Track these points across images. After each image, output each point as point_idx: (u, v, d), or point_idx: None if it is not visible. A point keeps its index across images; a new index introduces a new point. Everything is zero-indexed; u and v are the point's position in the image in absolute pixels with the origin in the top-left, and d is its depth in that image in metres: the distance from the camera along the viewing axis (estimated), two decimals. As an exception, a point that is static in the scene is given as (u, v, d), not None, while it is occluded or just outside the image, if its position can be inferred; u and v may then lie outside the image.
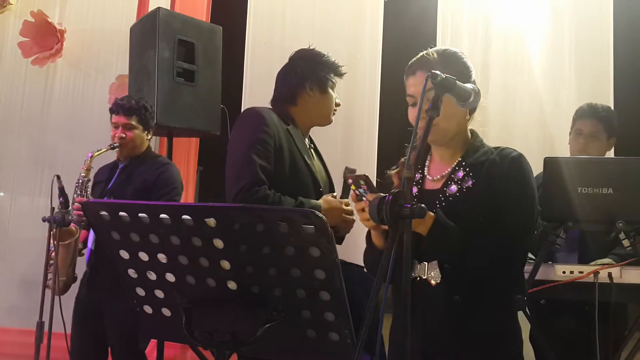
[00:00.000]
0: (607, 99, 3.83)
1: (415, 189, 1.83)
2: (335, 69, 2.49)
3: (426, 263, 1.75)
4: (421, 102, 1.53)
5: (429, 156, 1.89)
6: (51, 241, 2.79)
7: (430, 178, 1.84)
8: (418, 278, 1.75)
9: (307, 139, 2.52)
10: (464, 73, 1.79)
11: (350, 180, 1.64)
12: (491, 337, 1.72)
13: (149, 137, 3.17)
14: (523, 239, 1.74)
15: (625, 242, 2.36)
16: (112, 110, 3.11)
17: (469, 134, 1.84)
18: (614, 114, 3.03)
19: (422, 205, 1.37)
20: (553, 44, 3.98)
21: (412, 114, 1.81)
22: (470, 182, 1.75)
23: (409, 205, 1.35)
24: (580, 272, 2.37)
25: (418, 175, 1.85)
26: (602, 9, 3.90)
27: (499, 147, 1.82)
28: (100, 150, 3.07)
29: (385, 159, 4.25)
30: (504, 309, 1.76)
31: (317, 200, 2.34)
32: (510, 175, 1.73)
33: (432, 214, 1.67)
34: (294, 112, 2.45)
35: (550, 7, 4.01)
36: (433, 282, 1.73)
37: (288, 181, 2.29)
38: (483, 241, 1.68)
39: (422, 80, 1.57)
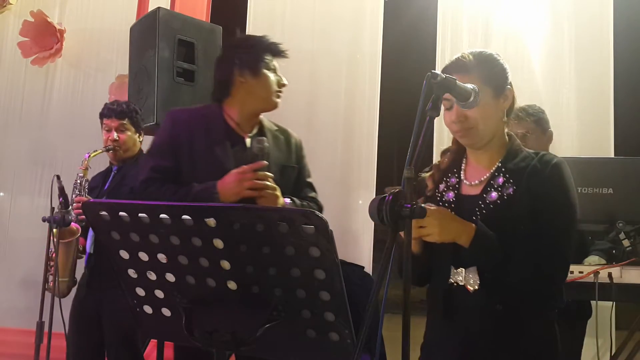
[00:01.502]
0: (607, 99, 3.84)
1: (452, 194, 1.79)
2: (270, 49, 2.34)
3: (463, 269, 1.71)
4: (421, 103, 1.52)
5: (464, 159, 1.84)
6: (51, 242, 2.80)
7: (467, 183, 1.79)
8: (455, 284, 1.72)
9: (254, 130, 2.39)
10: (502, 75, 1.76)
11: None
12: (530, 345, 1.69)
13: (141, 139, 3.23)
14: (567, 246, 1.69)
15: (626, 242, 2.36)
16: (104, 115, 3.16)
17: (507, 137, 1.81)
18: (538, 108, 3.07)
19: (422, 205, 1.36)
20: (553, 44, 3.98)
21: (447, 117, 1.76)
22: (511, 190, 1.70)
23: (409, 205, 1.34)
24: (580, 272, 2.37)
25: (454, 180, 1.81)
26: (602, 9, 3.90)
27: (538, 152, 1.78)
28: (97, 151, 3.12)
29: (385, 160, 4.26)
30: (545, 317, 1.72)
31: None
32: (552, 182, 1.68)
33: (472, 225, 1.65)
34: (229, 103, 2.35)
35: (550, 7, 4.01)
36: (471, 288, 1.69)
37: (198, 173, 2.26)
38: (527, 249, 1.64)
39: None
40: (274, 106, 2.37)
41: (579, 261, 2.56)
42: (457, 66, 1.74)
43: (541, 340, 1.71)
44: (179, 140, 2.29)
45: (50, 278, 2.86)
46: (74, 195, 3.02)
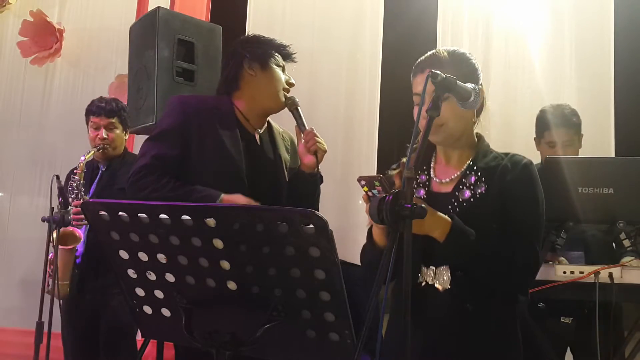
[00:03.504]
0: (607, 99, 3.84)
1: (422, 192, 1.80)
2: (279, 48, 2.35)
3: (434, 268, 1.71)
4: (422, 102, 1.52)
5: (433, 157, 1.85)
6: (51, 244, 2.80)
7: (437, 180, 1.80)
8: (424, 283, 1.72)
9: (263, 128, 2.37)
10: (473, 75, 1.78)
11: (363, 182, 1.61)
12: (496, 344, 1.70)
13: (126, 137, 3.25)
14: (537, 242, 1.72)
15: (626, 242, 2.36)
16: (92, 112, 3.16)
17: (475, 137, 1.82)
18: (577, 114, 2.95)
19: (423, 205, 1.36)
20: (553, 43, 3.98)
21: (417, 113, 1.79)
22: (483, 188, 1.72)
23: (409, 205, 1.34)
24: (580, 273, 2.36)
25: (424, 177, 1.82)
26: (603, 8, 3.90)
27: (508, 153, 1.80)
28: (90, 152, 3.12)
29: (385, 159, 4.26)
30: (511, 314, 1.74)
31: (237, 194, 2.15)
32: (522, 181, 1.72)
33: (448, 219, 1.64)
34: (238, 97, 2.33)
35: (550, 6, 4.01)
36: (441, 288, 1.69)
37: (207, 163, 2.19)
38: (499, 247, 1.66)
39: None
40: (279, 105, 2.34)
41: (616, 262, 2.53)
42: (432, 61, 1.77)
43: (508, 339, 1.72)
44: (189, 127, 2.20)
45: (51, 281, 2.85)
46: (70, 199, 3.01)
